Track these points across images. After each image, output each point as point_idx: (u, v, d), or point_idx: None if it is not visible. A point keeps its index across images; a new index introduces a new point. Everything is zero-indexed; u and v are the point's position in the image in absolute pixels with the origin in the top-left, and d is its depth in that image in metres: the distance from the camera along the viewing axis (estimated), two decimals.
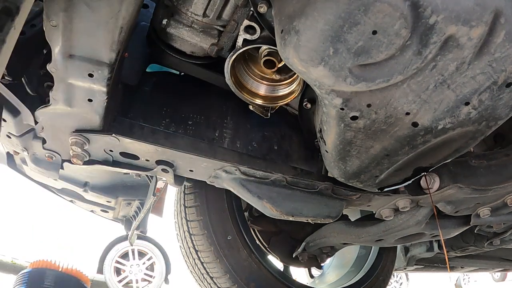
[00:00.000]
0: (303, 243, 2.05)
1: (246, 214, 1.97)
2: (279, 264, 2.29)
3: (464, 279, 9.36)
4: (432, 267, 2.72)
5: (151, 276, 5.31)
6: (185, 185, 1.84)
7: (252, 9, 0.94)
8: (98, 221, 2.46)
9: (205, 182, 1.40)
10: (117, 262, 5.21)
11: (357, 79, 0.81)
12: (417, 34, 0.74)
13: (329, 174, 1.39)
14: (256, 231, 2.04)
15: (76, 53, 0.89)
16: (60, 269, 3.53)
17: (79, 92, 1.01)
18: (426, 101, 0.90)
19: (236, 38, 1.02)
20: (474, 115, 0.93)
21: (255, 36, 0.98)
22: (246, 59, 1.16)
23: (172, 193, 2.11)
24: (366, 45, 0.74)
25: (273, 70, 1.09)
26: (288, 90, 1.20)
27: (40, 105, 1.09)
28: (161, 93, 1.31)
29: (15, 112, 1.16)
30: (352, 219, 1.90)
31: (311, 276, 2.84)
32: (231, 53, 1.04)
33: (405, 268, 2.61)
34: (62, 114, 1.09)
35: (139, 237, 4.94)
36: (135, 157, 1.25)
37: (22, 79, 1.14)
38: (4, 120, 1.18)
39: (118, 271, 5.23)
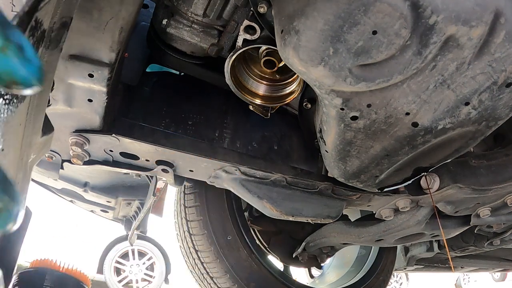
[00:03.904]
0: (303, 243, 2.05)
1: (246, 214, 1.97)
2: (279, 264, 2.28)
3: (464, 279, 9.35)
4: (432, 267, 2.72)
5: (151, 276, 5.30)
6: (185, 185, 1.84)
7: (252, 9, 0.94)
8: (98, 221, 2.46)
9: (205, 182, 1.40)
10: (117, 262, 5.20)
11: (357, 79, 0.81)
12: (417, 34, 0.74)
13: (329, 174, 1.39)
14: (256, 231, 2.04)
15: (76, 53, 0.89)
16: (60, 269, 3.50)
17: (79, 92, 1.01)
18: (426, 101, 0.90)
19: (236, 38, 1.02)
20: (474, 115, 0.93)
21: (255, 36, 0.98)
22: (246, 59, 1.16)
23: (172, 193, 2.11)
24: (366, 45, 0.74)
25: (273, 70, 1.09)
26: (288, 90, 1.20)
27: None
28: (161, 93, 1.31)
29: None
30: (352, 219, 1.90)
31: (311, 276, 2.84)
32: (231, 53, 1.04)
33: (405, 268, 2.61)
34: (62, 114, 1.09)
35: (139, 237, 4.93)
36: (135, 157, 1.25)
37: None
38: None
39: (118, 271, 5.23)
